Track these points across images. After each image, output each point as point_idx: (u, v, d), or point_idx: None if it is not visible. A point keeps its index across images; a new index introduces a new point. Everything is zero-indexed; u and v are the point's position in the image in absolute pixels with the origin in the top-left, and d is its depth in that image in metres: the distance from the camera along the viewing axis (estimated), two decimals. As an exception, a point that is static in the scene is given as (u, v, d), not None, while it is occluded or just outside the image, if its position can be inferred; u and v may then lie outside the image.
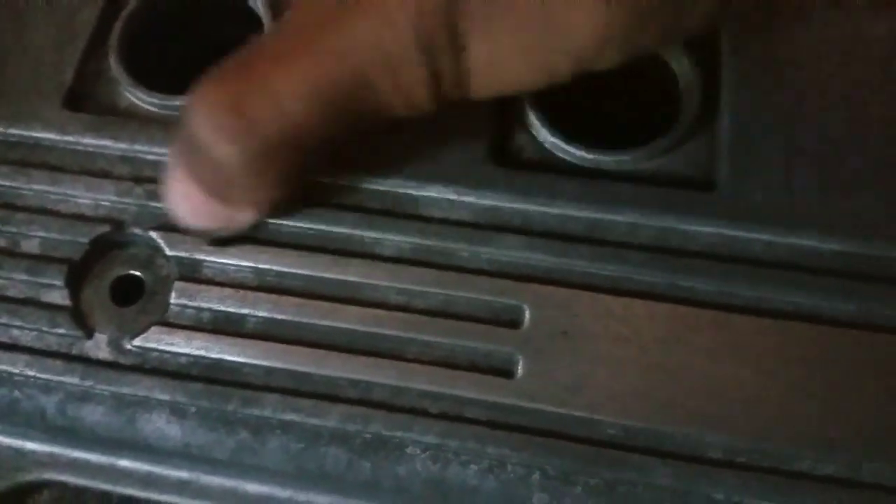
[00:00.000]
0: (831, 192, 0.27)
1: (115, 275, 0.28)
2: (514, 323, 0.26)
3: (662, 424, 0.25)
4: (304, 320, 0.26)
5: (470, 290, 0.26)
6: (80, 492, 0.27)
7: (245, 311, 0.27)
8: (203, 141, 0.24)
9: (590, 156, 0.28)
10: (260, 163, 0.24)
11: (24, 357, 0.26)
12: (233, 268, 0.27)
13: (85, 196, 0.28)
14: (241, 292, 0.27)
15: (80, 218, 0.28)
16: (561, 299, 0.26)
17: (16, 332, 0.27)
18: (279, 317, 0.26)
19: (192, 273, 0.27)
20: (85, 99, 0.30)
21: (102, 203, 0.28)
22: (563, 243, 0.27)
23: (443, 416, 0.25)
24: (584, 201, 0.27)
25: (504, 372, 0.26)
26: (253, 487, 0.26)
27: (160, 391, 0.26)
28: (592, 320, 0.26)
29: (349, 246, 0.27)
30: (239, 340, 0.26)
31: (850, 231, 0.26)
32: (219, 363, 0.26)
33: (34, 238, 0.28)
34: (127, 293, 0.27)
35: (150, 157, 0.29)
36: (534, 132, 0.29)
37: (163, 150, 0.29)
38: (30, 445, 0.27)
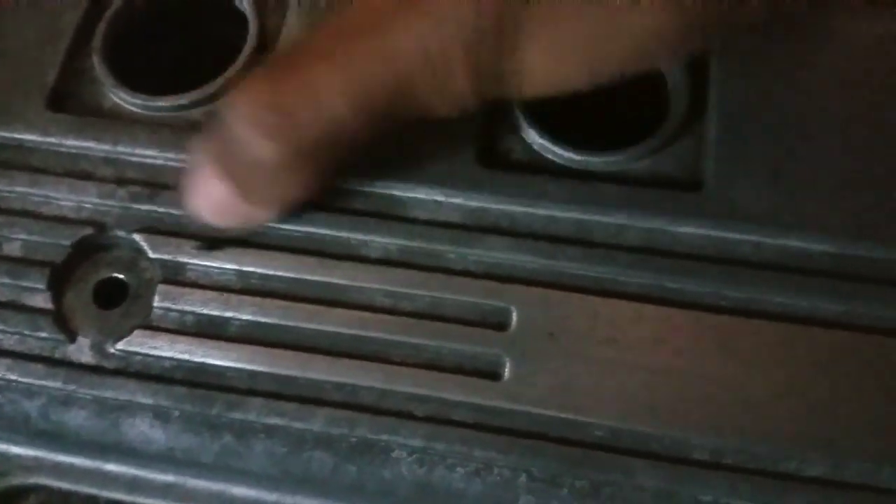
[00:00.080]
0: (819, 193, 0.27)
1: (97, 278, 0.27)
2: (501, 325, 0.26)
3: (649, 426, 0.25)
4: (289, 323, 0.26)
5: (457, 292, 0.26)
6: (66, 496, 0.27)
7: (229, 314, 0.26)
8: (241, 136, 0.24)
9: (578, 157, 0.28)
10: (297, 161, 0.24)
11: (6, 361, 0.26)
12: (216, 270, 0.27)
13: (67, 198, 0.28)
14: (225, 295, 0.27)
15: (62, 220, 0.28)
16: (548, 301, 0.26)
17: (-3, 336, 0.27)
18: (263, 320, 0.26)
19: (175, 276, 0.27)
20: (68, 100, 0.30)
21: (85, 205, 0.28)
22: (550, 245, 0.27)
23: (429, 419, 0.25)
24: (572, 202, 0.27)
25: (491, 374, 0.25)
26: (239, 491, 0.26)
27: (143, 395, 0.26)
28: (579, 322, 0.26)
29: (335, 248, 0.27)
30: (223, 344, 0.26)
31: (838, 231, 0.26)
32: (202, 367, 0.26)
33: (16, 241, 0.28)
34: (110, 296, 0.27)
35: (133, 158, 0.28)
36: (522, 134, 0.28)
37: (146, 152, 0.28)
38: (14, 450, 0.26)
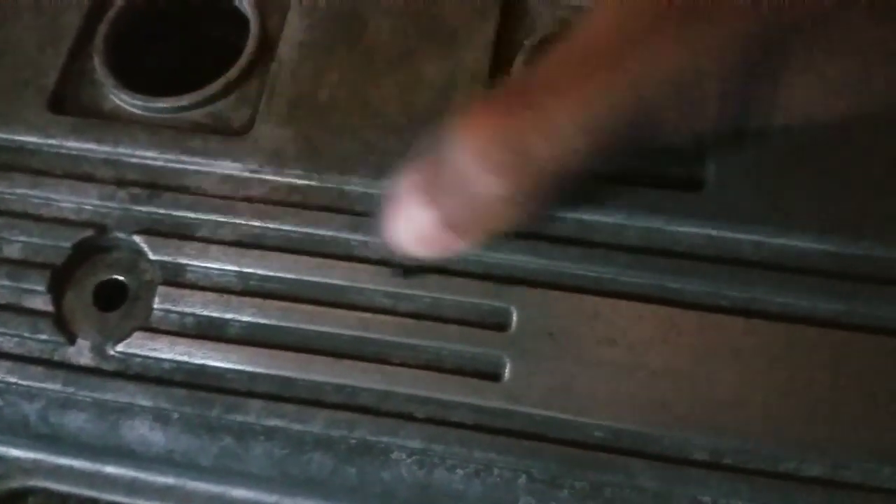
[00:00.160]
0: (819, 193, 0.27)
1: (97, 280, 0.27)
2: (501, 325, 0.26)
3: (649, 427, 0.25)
4: (289, 325, 0.26)
5: (457, 293, 0.26)
6: (66, 498, 0.27)
7: (229, 315, 0.26)
8: (466, 171, 0.22)
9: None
10: (525, 197, 0.23)
11: (6, 364, 0.26)
12: (216, 272, 0.27)
13: (68, 200, 0.28)
14: (225, 297, 0.26)
15: (62, 222, 0.28)
16: (548, 301, 0.26)
17: (-3, 338, 0.27)
18: (263, 321, 0.26)
19: (175, 277, 0.27)
20: (69, 101, 0.30)
21: (85, 207, 0.28)
22: (549, 245, 0.27)
23: (429, 421, 0.25)
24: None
25: (491, 375, 0.25)
26: (239, 493, 0.26)
27: (143, 397, 0.26)
28: (579, 322, 0.26)
29: (334, 249, 0.27)
30: (222, 345, 0.26)
31: (838, 231, 0.26)
32: (202, 369, 0.26)
33: (16, 243, 0.28)
34: (110, 298, 0.27)
35: (133, 160, 0.28)
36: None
37: (147, 153, 0.28)
38: (13, 452, 0.26)
